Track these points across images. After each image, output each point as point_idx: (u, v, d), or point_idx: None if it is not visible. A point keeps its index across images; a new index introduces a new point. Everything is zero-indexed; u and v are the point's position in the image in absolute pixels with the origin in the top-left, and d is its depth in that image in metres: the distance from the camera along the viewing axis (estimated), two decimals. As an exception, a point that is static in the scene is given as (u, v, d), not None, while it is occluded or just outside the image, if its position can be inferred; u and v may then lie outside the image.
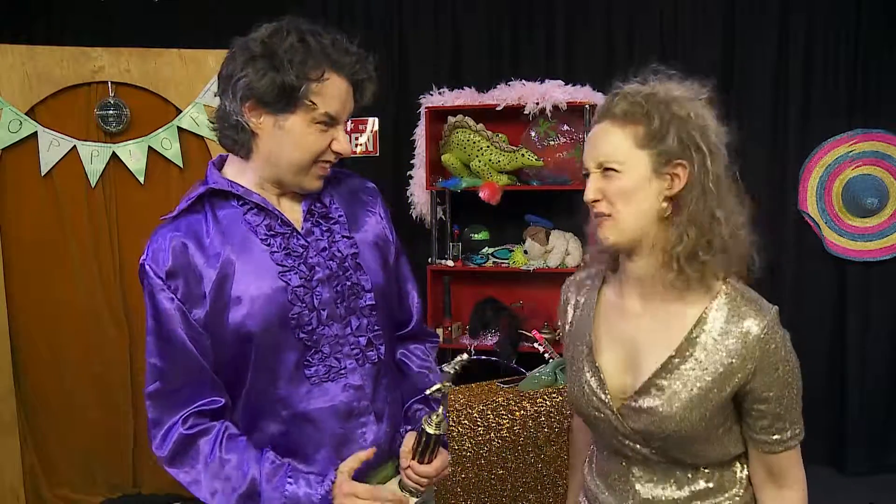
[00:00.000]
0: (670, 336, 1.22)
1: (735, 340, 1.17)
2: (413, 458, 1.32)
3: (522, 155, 3.54)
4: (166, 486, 3.58)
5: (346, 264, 1.35)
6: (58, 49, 3.31)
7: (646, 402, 1.21)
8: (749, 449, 1.27)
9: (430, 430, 1.30)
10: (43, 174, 3.30)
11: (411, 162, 3.85)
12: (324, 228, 1.35)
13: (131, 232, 3.47)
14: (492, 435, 2.70)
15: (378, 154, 4.04)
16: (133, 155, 3.38)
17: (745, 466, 1.30)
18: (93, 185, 3.37)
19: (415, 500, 1.35)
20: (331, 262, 1.33)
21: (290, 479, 1.27)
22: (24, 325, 3.33)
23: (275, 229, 1.31)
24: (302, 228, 1.34)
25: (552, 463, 2.75)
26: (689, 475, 1.27)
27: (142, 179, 3.40)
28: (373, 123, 4.03)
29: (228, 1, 4.03)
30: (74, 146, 3.31)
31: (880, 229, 3.69)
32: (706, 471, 1.27)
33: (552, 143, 3.59)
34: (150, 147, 3.39)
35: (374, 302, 1.37)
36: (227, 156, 1.37)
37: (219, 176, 1.34)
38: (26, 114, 3.24)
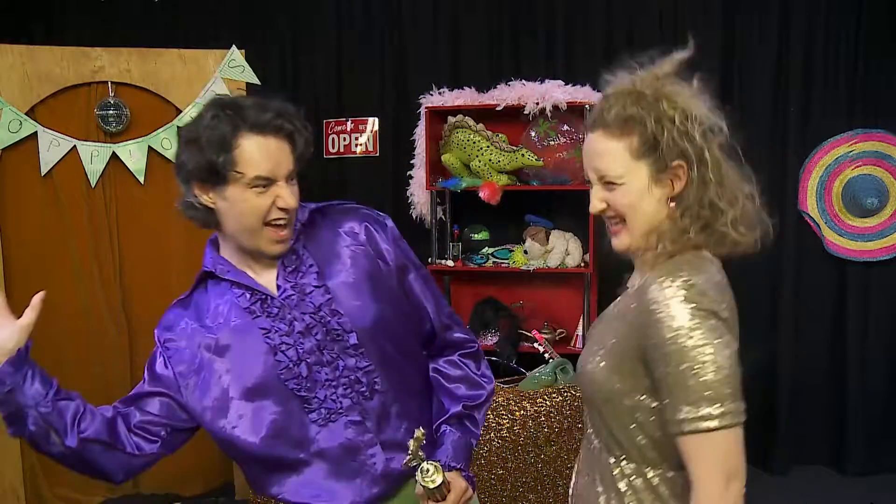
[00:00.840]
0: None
1: (640, 294, 1.16)
2: (429, 502, 1.38)
3: (522, 155, 3.54)
4: (166, 485, 3.58)
5: (322, 313, 1.40)
6: (58, 49, 3.31)
7: (581, 366, 1.30)
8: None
9: (429, 485, 1.35)
10: (43, 174, 3.30)
11: (411, 162, 3.85)
12: (292, 283, 1.41)
13: (131, 232, 3.47)
14: (492, 435, 2.70)
15: (378, 154, 4.04)
16: (133, 155, 3.38)
17: (664, 481, 1.20)
18: (93, 185, 3.37)
19: None
20: (304, 314, 1.40)
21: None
22: (24, 325, 3.33)
23: (253, 298, 1.42)
24: (278, 289, 1.42)
25: (552, 463, 2.75)
26: (614, 471, 1.23)
27: (142, 179, 3.40)
28: (373, 123, 4.04)
29: (228, 1, 4.03)
30: (74, 146, 3.31)
31: (880, 229, 3.68)
32: (626, 467, 1.22)
33: (552, 143, 3.59)
34: (150, 147, 3.39)
35: (356, 342, 1.40)
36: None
37: (210, 256, 1.50)
38: (26, 114, 3.24)
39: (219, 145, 1.28)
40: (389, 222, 1.52)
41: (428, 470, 1.35)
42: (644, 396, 1.18)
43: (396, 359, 1.47)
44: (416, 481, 1.37)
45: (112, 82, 3.34)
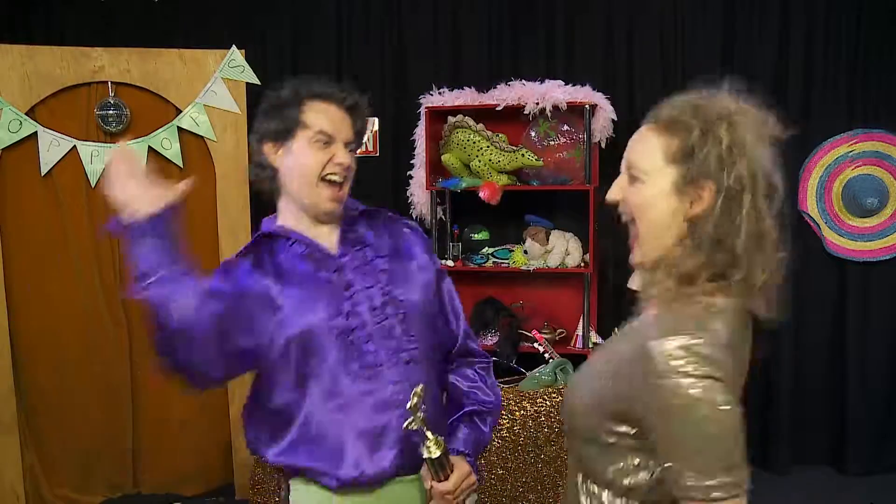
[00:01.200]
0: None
1: (638, 348, 1.07)
2: (431, 481, 1.46)
3: (522, 155, 3.54)
4: (166, 485, 3.58)
5: (380, 278, 1.55)
6: (58, 49, 3.31)
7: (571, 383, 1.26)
8: None
9: (428, 455, 1.41)
10: (43, 174, 3.30)
11: (411, 162, 3.85)
12: (357, 250, 1.57)
13: (131, 232, 3.47)
14: (492, 435, 2.70)
15: (378, 154, 4.05)
16: (133, 155, 3.38)
17: None
18: (93, 185, 3.36)
19: None
20: (365, 276, 1.54)
21: None
22: (24, 325, 3.33)
23: (314, 255, 1.54)
24: (337, 252, 1.56)
25: (552, 463, 2.75)
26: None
27: (142, 179, 3.40)
28: (373, 123, 4.04)
29: (228, 1, 4.03)
30: (74, 146, 3.31)
31: (880, 229, 3.68)
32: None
33: (552, 143, 3.59)
34: (150, 147, 3.39)
35: (405, 311, 1.54)
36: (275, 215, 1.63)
37: (270, 222, 1.62)
38: (26, 114, 3.24)
39: (289, 105, 1.51)
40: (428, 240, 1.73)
41: (427, 439, 1.40)
42: (619, 438, 1.13)
43: (431, 346, 1.59)
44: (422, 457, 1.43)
45: (112, 82, 3.34)
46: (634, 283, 1.19)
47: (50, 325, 3.39)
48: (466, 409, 1.64)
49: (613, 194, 1.18)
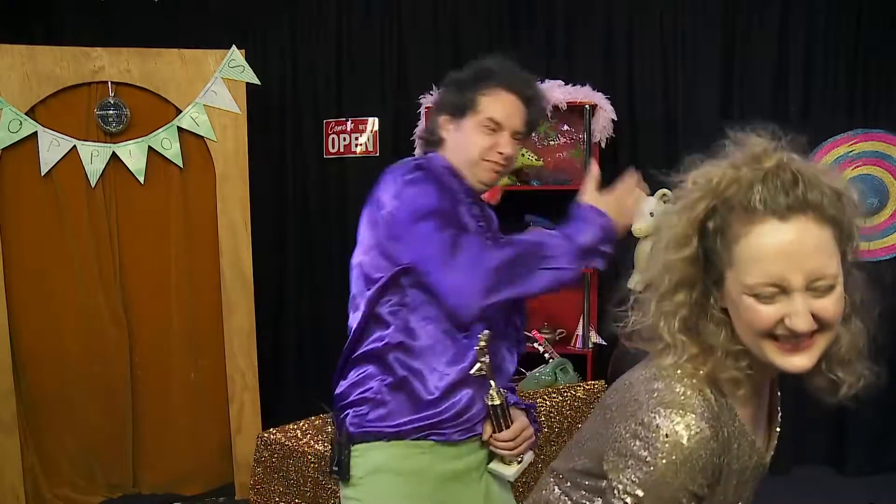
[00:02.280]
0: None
1: None
2: (493, 432, 1.55)
3: (522, 155, 3.54)
4: (166, 485, 3.58)
5: None
6: (58, 49, 3.31)
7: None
8: None
9: (490, 402, 1.52)
10: (43, 174, 3.30)
11: (411, 162, 3.85)
12: (481, 224, 1.62)
13: (131, 232, 3.47)
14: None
15: (378, 154, 4.04)
16: (133, 155, 3.38)
17: None
18: (93, 185, 3.36)
19: (516, 464, 1.61)
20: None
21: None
22: (24, 324, 3.33)
23: (479, 217, 1.63)
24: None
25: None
26: None
27: (142, 179, 3.40)
28: (373, 123, 4.03)
29: (228, 1, 4.03)
30: (74, 146, 3.31)
31: (880, 229, 3.68)
32: None
33: (552, 143, 3.59)
34: (150, 147, 3.39)
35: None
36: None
37: (449, 164, 1.64)
38: (26, 114, 3.24)
39: (470, 86, 1.60)
40: None
41: (490, 387, 1.51)
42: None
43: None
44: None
45: (112, 82, 3.34)
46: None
47: (50, 325, 3.39)
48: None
49: (805, 325, 0.95)
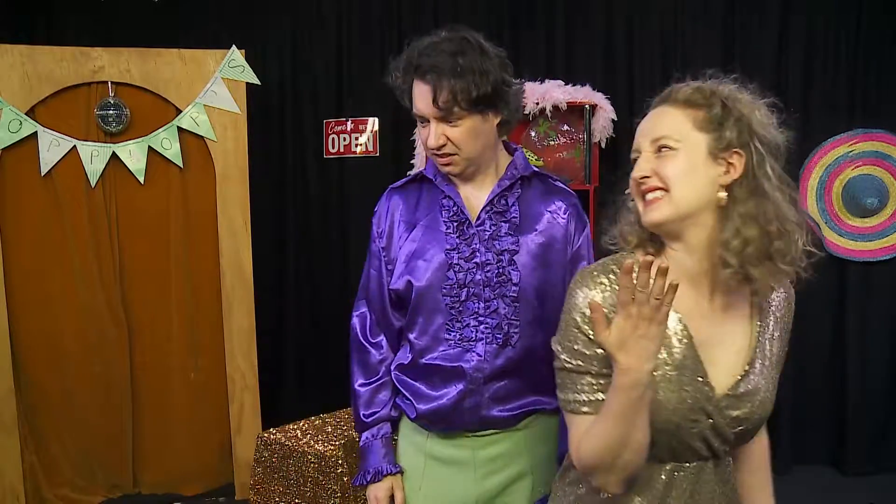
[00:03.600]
0: (736, 319, 1.23)
1: (786, 307, 1.27)
2: None
3: (522, 155, 3.54)
4: (166, 485, 3.58)
5: (502, 256, 1.57)
6: (58, 49, 3.31)
7: (748, 385, 1.20)
8: None
9: None
10: (43, 174, 3.30)
11: (411, 162, 3.85)
12: (494, 223, 1.59)
13: (131, 232, 3.47)
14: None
15: (378, 154, 4.04)
16: (133, 155, 3.38)
17: None
18: (93, 185, 3.36)
19: None
20: (489, 252, 1.57)
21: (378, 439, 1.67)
22: (24, 324, 3.33)
23: (456, 216, 1.60)
24: (477, 219, 1.59)
25: (552, 463, 2.75)
26: (729, 465, 1.29)
27: (142, 179, 3.40)
28: (373, 123, 4.04)
29: (228, 1, 4.03)
30: (74, 146, 3.31)
31: (880, 229, 3.68)
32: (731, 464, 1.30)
33: (552, 143, 3.59)
34: (150, 147, 3.39)
35: (516, 294, 1.56)
36: None
37: (431, 164, 1.66)
38: (26, 114, 3.24)
39: (403, 90, 1.56)
40: (587, 224, 1.69)
41: None
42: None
43: (539, 331, 1.59)
44: None
45: (112, 82, 3.34)
46: (658, 215, 1.20)
47: (50, 325, 3.39)
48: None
49: (643, 170, 1.18)
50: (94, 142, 3.35)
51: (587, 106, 3.47)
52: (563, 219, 1.62)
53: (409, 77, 1.52)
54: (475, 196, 1.62)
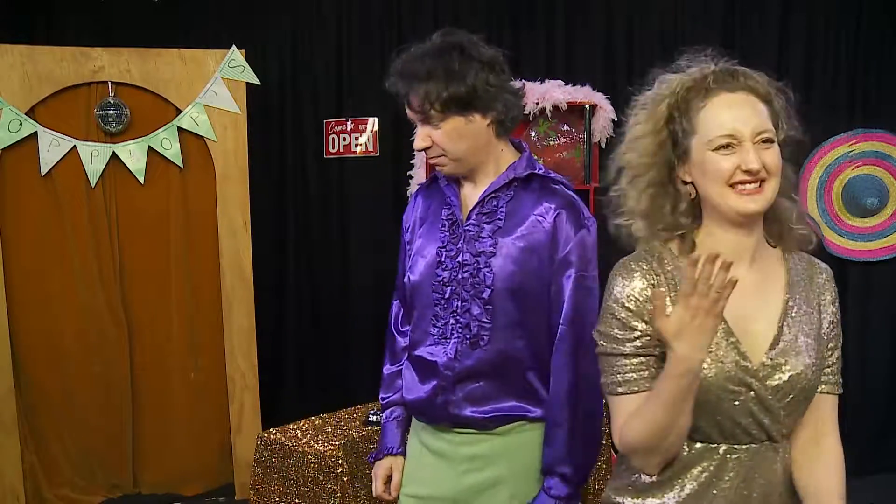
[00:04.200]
0: (771, 293, 1.27)
1: (817, 288, 1.30)
2: None
3: (522, 155, 3.54)
4: (166, 485, 3.58)
5: (479, 258, 1.59)
6: (58, 49, 3.31)
7: (784, 357, 1.23)
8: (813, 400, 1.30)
9: None
10: (43, 174, 3.30)
11: (411, 162, 3.85)
12: (479, 223, 1.60)
13: (131, 232, 3.47)
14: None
15: (378, 154, 4.04)
16: (133, 155, 3.38)
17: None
18: (93, 185, 3.37)
19: None
20: (468, 252, 1.60)
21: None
22: (24, 324, 3.34)
23: (452, 215, 1.64)
24: (466, 218, 1.62)
25: (552, 463, 2.75)
26: (788, 452, 1.28)
27: (142, 179, 3.40)
28: (373, 123, 4.03)
29: (228, 1, 4.03)
30: (74, 146, 3.31)
31: (880, 229, 3.68)
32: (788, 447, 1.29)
33: (552, 143, 3.59)
34: (150, 147, 3.39)
35: (487, 298, 1.57)
36: None
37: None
38: (26, 114, 3.24)
39: (396, 91, 1.59)
40: (592, 228, 1.61)
41: None
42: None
43: (518, 338, 1.58)
44: None
45: (112, 82, 3.34)
46: (764, 202, 1.25)
47: (50, 324, 3.39)
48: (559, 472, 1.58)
49: (756, 162, 1.19)
50: (94, 142, 3.35)
51: (587, 106, 3.47)
52: (549, 223, 1.57)
53: (396, 83, 1.57)
54: (472, 196, 1.64)
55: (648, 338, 1.22)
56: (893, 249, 3.68)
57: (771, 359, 1.22)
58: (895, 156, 3.63)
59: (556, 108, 3.47)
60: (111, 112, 3.34)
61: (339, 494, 2.50)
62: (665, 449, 1.20)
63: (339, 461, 2.51)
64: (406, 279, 1.70)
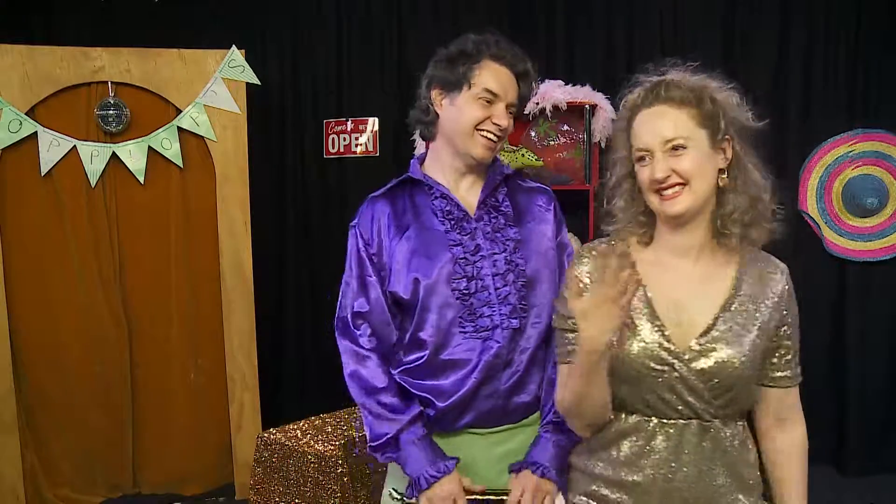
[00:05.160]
0: (717, 289, 1.38)
1: (771, 289, 1.39)
2: None
3: (522, 155, 3.53)
4: (166, 485, 3.58)
5: (507, 246, 1.64)
6: (58, 49, 3.31)
7: (713, 344, 1.34)
8: (764, 394, 1.42)
9: None
10: (43, 174, 3.30)
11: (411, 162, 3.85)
12: (493, 216, 1.66)
13: (131, 232, 3.47)
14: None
15: (378, 154, 4.04)
16: (133, 155, 3.38)
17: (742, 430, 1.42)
18: (93, 185, 3.37)
19: None
20: (494, 243, 1.64)
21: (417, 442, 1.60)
22: (24, 324, 3.34)
23: (452, 213, 1.65)
24: (475, 214, 1.66)
25: (552, 463, 2.75)
26: (723, 433, 1.37)
27: (142, 179, 3.40)
28: (373, 123, 4.03)
29: (228, 1, 4.03)
30: (74, 146, 3.31)
31: (880, 229, 3.68)
32: (732, 429, 1.39)
33: (552, 143, 3.59)
34: (150, 147, 3.39)
35: (526, 280, 1.63)
36: (425, 154, 1.76)
37: (416, 168, 1.73)
38: (26, 114, 3.24)
39: (464, 60, 1.62)
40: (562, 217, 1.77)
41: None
42: (759, 370, 1.40)
43: (542, 319, 1.66)
44: None
45: (112, 82, 3.34)
46: (680, 206, 1.35)
47: (50, 325, 3.39)
48: (552, 420, 1.64)
49: (664, 171, 1.32)
50: (94, 142, 3.35)
51: (587, 106, 3.47)
52: (549, 211, 1.73)
53: (485, 57, 1.67)
54: (469, 194, 1.69)
55: None
56: (893, 249, 3.68)
57: (700, 345, 1.33)
58: (895, 156, 3.63)
59: (556, 108, 3.47)
60: (111, 112, 3.34)
61: (339, 494, 2.50)
62: (585, 415, 1.38)
63: (339, 461, 2.51)
64: (400, 287, 1.62)
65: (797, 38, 3.65)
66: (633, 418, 1.38)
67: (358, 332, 1.67)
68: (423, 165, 1.74)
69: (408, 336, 1.65)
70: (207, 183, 3.47)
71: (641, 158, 1.36)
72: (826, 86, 3.66)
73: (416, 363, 1.64)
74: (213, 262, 3.49)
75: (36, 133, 3.26)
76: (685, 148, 1.31)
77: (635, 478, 1.37)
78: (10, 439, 3.30)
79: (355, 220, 1.73)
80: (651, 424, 1.36)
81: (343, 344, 1.69)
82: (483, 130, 1.62)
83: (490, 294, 1.60)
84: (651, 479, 1.35)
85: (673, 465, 1.35)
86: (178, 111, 3.40)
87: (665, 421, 1.36)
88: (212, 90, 3.40)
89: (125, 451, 3.54)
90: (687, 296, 1.37)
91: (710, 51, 3.66)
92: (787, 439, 1.45)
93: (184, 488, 3.57)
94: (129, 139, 3.38)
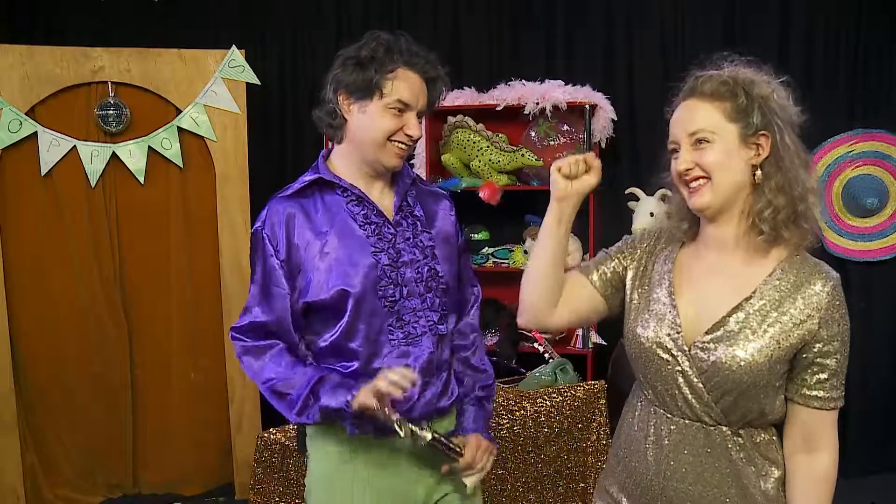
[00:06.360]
0: (741, 287, 1.34)
1: (804, 296, 1.31)
2: (447, 464, 1.64)
3: (522, 155, 3.54)
4: (166, 485, 3.59)
5: (426, 252, 1.65)
6: (58, 49, 3.31)
7: (717, 343, 1.31)
8: (792, 411, 1.35)
9: (425, 441, 1.56)
10: (43, 174, 3.30)
11: (411, 162, 3.84)
12: (410, 222, 1.65)
13: (131, 232, 3.47)
14: (492, 434, 2.70)
15: (378, 154, 4.04)
16: (133, 155, 3.38)
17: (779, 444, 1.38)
18: (93, 185, 3.37)
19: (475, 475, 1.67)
20: (414, 249, 1.63)
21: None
22: (24, 324, 3.34)
23: (370, 218, 1.61)
24: (393, 220, 1.63)
25: (552, 463, 2.75)
26: (731, 442, 1.35)
27: (142, 179, 3.40)
28: (373, 123, 4.03)
29: (228, 1, 4.03)
30: (74, 146, 3.32)
31: (880, 229, 3.68)
32: (744, 439, 1.35)
33: (552, 143, 3.59)
34: (150, 147, 3.39)
35: (445, 285, 1.66)
36: (329, 153, 1.70)
37: (326, 168, 1.65)
38: (26, 114, 3.24)
39: (376, 66, 1.55)
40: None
41: (421, 430, 1.54)
42: (782, 381, 1.34)
43: (453, 318, 1.74)
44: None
45: (112, 82, 3.34)
46: (702, 200, 1.36)
47: (50, 324, 3.39)
48: (476, 395, 1.77)
49: (685, 163, 1.34)
50: (94, 142, 3.35)
51: (587, 106, 3.47)
52: (452, 216, 1.76)
53: (397, 64, 1.61)
54: (383, 197, 1.67)
55: (612, 272, 1.50)
56: (893, 249, 3.68)
57: (704, 341, 1.32)
58: (895, 156, 3.63)
59: (556, 108, 3.47)
60: (111, 112, 3.34)
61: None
62: (529, 291, 1.52)
63: (339, 461, 2.51)
64: (325, 296, 1.56)
65: (797, 38, 3.65)
66: (644, 403, 1.44)
67: (253, 340, 1.73)
68: (330, 164, 1.67)
69: (328, 343, 1.61)
70: (207, 183, 3.47)
71: (674, 151, 1.39)
72: (826, 86, 3.66)
73: (348, 370, 1.61)
74: (213, 262, 3.49)
75: (36, 133, 3.26)
76: (709, 142, 1.31)
77: (636, 464, 1.43)
78: (10, 439, 3.30)
79: (259, 224, 1.64)
80: (658, 415, 1.40)
81: (239, 348, 1.75)
82: (395, 141, 1.58)
83: (415, 300, 1.61)
84: (653, 467, 1.40)
85: (672, 462, 1.36)
86: (178, 111, 3.40)
87: (670, 416, 1.38)
88: (212, 90, 3.40)
89: (125, 451, 3.54)
90: (709, 289, 1.36)
91: (711, 51, 3.64)
92: (811, 465, 1.34)
93: (184, 488, 3.57)
94: (129, 139, 3.38)
